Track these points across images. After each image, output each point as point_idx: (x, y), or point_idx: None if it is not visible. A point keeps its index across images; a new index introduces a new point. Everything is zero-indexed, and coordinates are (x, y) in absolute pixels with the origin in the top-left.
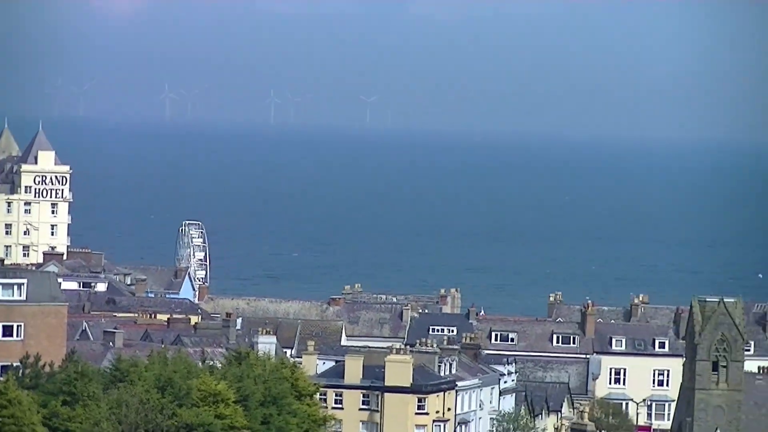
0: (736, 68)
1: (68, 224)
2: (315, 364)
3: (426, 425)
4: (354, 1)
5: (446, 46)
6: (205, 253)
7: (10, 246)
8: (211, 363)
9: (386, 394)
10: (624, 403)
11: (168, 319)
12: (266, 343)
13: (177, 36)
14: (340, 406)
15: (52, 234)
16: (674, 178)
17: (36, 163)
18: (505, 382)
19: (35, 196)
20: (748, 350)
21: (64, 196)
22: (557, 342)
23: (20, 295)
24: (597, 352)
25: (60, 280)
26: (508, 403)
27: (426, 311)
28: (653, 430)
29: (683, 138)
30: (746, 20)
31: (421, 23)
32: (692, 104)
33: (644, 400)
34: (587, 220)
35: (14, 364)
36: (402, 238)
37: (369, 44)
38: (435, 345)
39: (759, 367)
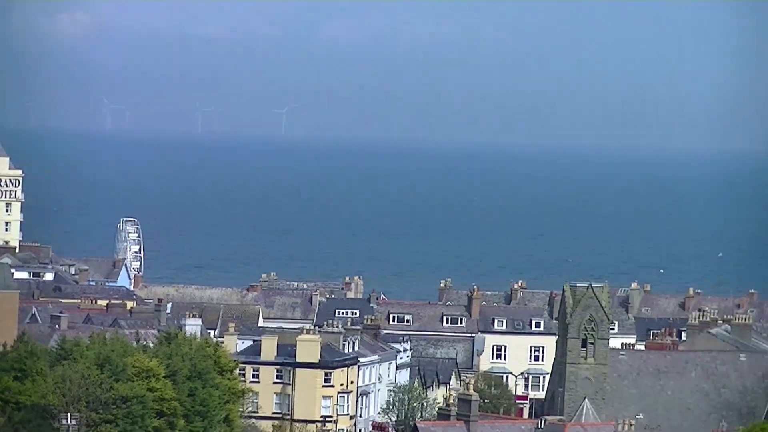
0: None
1: (20, 221)
2: (235, 344)
3: (332, 396)
4: (271, 25)
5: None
6: (140, 246)
7: None
8: (144, 343)
9: (297, 369)
10: (505, 376)
11: (107, 304)
12: (192, 325)
13: (117, 54)
14: (257, 380)
15: (6, 230)
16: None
17: None
18: (401, 358)
19: None
20: (613, 329)
21: (17, 197)
22: (446, 323)
23: None
24: (481, 332)
25: (12, 270)
26: (404, 377)
27: (332, 296)
28: (530, 399)
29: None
30: None
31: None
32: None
33: (522, 373)
34: (482, 216)
35: None
36: (312, 233)
37: (282, 62)
38: (340, 326)
39: (622, 344)
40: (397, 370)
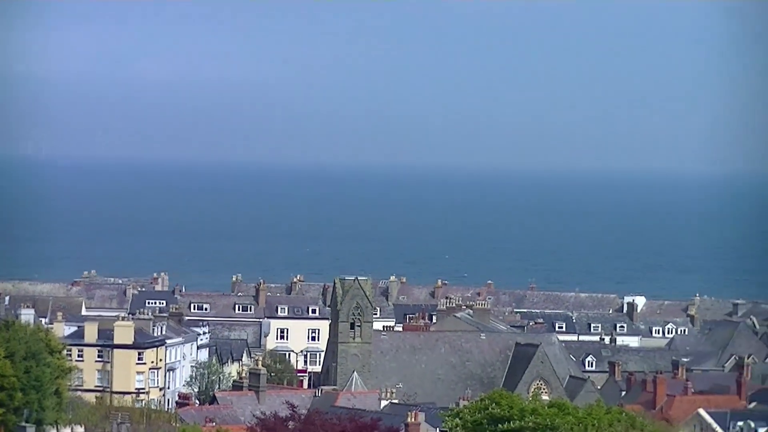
0: None
1: None
2: (63, 329)
3: (144, 372)
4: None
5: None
6: None
7: None
8: None
9: (115, 350)
10: (287, 353)
11: None
12: (27, 315)
13: None
14: (81, 359)
15: None
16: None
17: None
18: (201, 339)
19: None
20: (375, 314)
21: None
22: (238, 310)
23: None
24: (267, 317)
25: None
26: (203, 355)
27: (143, 289)
28: (308, 372)
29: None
30: None
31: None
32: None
33: (302, 351)
34: (265, 222)
35: None
36: (124, 237)
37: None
38: (149, 314)
39: (383, 326)
40: (198, 349)
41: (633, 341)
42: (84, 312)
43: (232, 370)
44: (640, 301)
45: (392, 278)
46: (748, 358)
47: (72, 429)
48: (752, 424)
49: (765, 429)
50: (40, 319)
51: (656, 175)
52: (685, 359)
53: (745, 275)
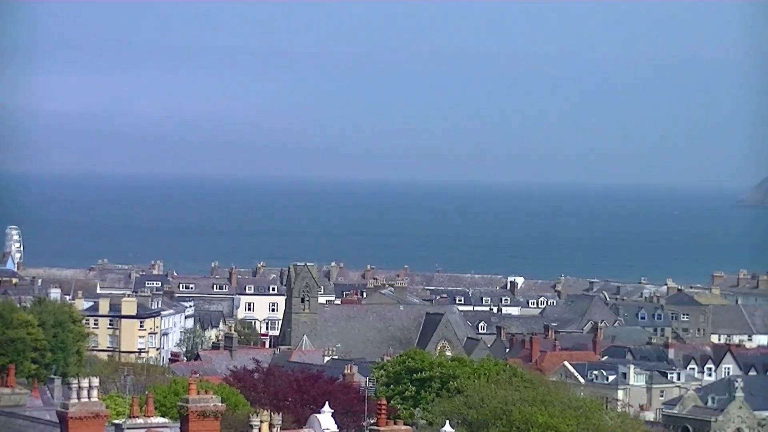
0: None
1: None
2: (82, 304)
3: (144, 336)
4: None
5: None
6: (20, 244)
7: None
8: (25, 305)
9: (122, 320)
10: (253, 321)
11: (0, 280)
12: (55, 293)
13: None
14: (96, 326)
15: None
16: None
17: None
18: (188, 311)
19: None
20: (321, 291)
21: None
22: (216, 288)
23: None
24: (238, 294)
25: None
26: (190, 323)
27: (143, 273)
28: (269, 336)
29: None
30: None
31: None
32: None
33: (264, 319)
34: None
35: None
36: (129, 233)
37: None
38: (149, 292)
39: (326, 300)
40: (185, 319)
41: (514, 311)
42: (98, 291)
43: (211, 334)
44: (520, 281)
45: (332, 264)
46: (600, 323)
47: (89, 380)
48: (604, 373)
49: (614, 376)
50: (65, 296)
51: (533, 186)
52: (554, 324)
53: (599, 260)
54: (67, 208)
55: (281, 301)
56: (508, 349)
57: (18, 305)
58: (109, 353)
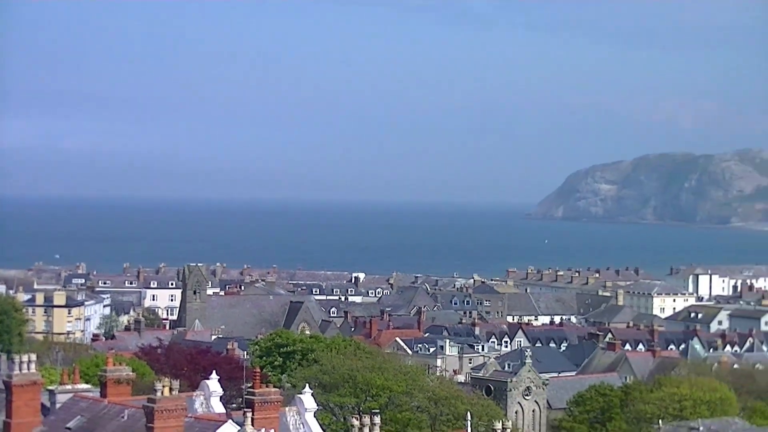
0: None
1: None
2: (23, 297)
3: (72, 321)
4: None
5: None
6: None
7: None
8: None
9: (54, 309)
10: (156, 309)
11: None
12: (0, 288)
13: None
14: (34, 314)
15: None
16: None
17: None
18: (105, 302)
19: None
20: (209, 285)
21: None
22: (128, 284)
23: None
24: (144, 288)
25: None
26: (107, 311)
27: (71, 272)
28: (170, 320)
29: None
30: None
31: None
32: None
33: (166, 307)
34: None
35: None
36: (61, 242)
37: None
38: (75, 287)
39: (213, 292)
40: (104, 307)
41: (358, 299)
42: (35, 286)
43: (124, 319)
44: (362, 276)
45: (218, 264)
46: (423, 307)
47: (28, 356)
48: (426, 346)
49: (434, 348)
50: (9, 291)
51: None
52: (388, 309)
53: (422, 260)
54: (11, 222)
55: (178, 293)
56: (353, 329)
57: None
58: (44, 335)
